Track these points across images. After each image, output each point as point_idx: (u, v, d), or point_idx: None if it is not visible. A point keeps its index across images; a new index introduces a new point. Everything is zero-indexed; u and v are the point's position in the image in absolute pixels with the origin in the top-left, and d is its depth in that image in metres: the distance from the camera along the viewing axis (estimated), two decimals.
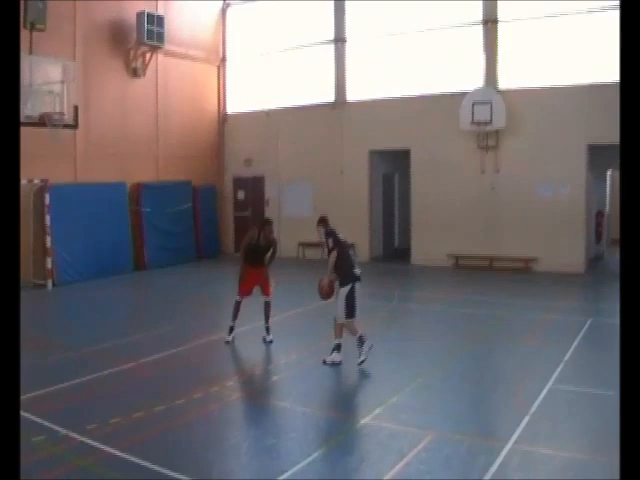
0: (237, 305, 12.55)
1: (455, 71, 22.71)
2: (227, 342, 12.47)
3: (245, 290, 12.57)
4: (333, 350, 10.80)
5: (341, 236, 11.05)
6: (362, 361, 10.59)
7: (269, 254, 12.54)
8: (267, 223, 12.62)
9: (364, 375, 10.69)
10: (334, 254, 10.78)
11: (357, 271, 10.83)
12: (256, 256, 12.42)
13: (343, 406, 9.55)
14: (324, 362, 10.75)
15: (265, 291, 12.57)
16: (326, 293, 10.86)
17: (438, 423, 8.20)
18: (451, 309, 15.99)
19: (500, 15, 21.83)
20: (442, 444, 7.56)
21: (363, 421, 8.37)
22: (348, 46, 25.08)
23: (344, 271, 10.72)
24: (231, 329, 12.56)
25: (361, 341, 10.65)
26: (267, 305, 12.54)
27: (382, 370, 10.87)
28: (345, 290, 10.69)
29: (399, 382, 9.95)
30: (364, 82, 24.76)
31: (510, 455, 7.18)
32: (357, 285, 10.77)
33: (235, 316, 12.53)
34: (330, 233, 11.02)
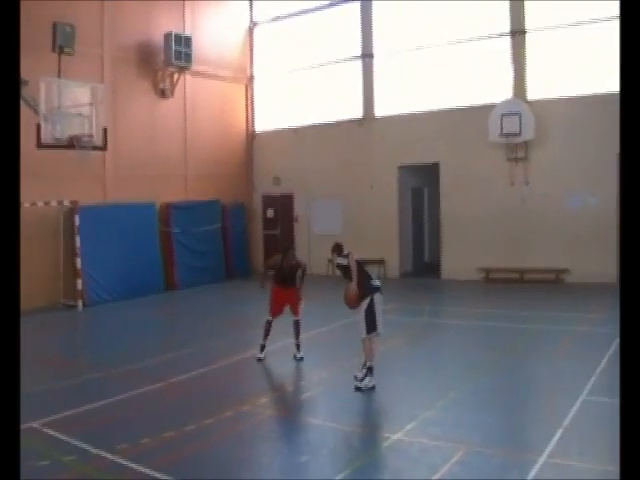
0: (268, 325, 12.49)
1: (483, 83, 22.62)
2: (259, 359, 12.43)
3: (276, 310, 12.55)
4: (365, 375, 10.47)
5: (356, 257, 10.92)
6: (357, 388, 10.35)
7: (299, 273, 12.51)
8: (289, 249, 12.71)
9: (395, 391, 10.59)
10: (353, 258, 10.68)
11: (375, 282, 10.64)
12: (284, 279, 12.46)
13: (374, 422, 9.48)
14: (357, 389, 10.37)
15: (295, 311, 12.51)
16: (354, 299, 10.67)
17: (470, 437, 8.08)
18: (482, 323, 15.86)
19: (528, 25, 21.71)
20: (474, 458, 7.47)
21: (395, 437, 8.27)
22: (375, 61, 25.10)
23: (362, 284, 10.55)
24: (262, 347, 12.51)
25: (370, 371, 10.43)
26: (296, 324, 12.48)
27: (413, 385, 10.80)
28: (364, 303, 10.47)
29: (430, 397, 9.85)
30: (392, 97, 24.74)
31: (543, 469, 7.06)
32: (377, 297, 10.51)
33: (266, 335, 12.47)
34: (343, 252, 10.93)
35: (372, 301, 10.46)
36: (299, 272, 12.48)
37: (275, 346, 12.76)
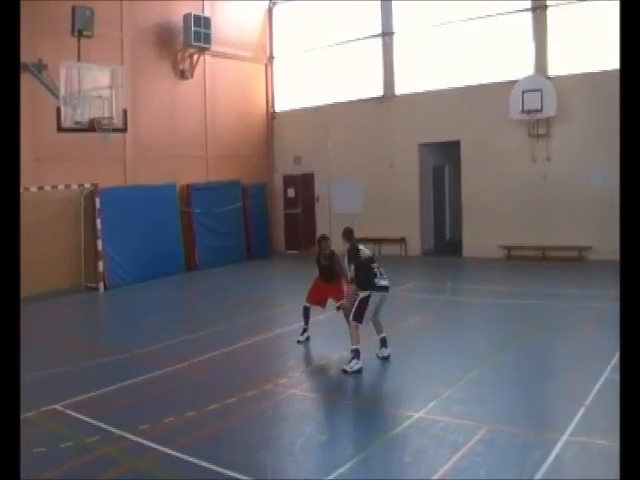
0: (305, 311, 12.31)
1: (504, 59, 22.43)
2: (298, 341, 12.29)
3: (314, 298, 12.24)
4: (353, 358, 10.44)
5: (363, 252, 10.93)
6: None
7: (337, 268, 11.85)
8: (322, 240, 12.18)
9: (417, 369, 10.63)
10: (357, 256, 10.77)
11: (378, 281, 10.58)
12: (324, 273, 12.13)
13: (397, 400, 9.44)
14: (345, 372, 10.33)
15: (338, 298, 11.88)
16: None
17: (492, 416, 8.09)
18: (504, 301, 15.80)
19: (549, 0, 21.48)
20: (497, 437, 7.47)
21: (417, 415, 8.28)
22: (395, 39, 24.96)
23: (364, 281, 10.55)
24: (304, 330, 12.36)
25: (356, 354, 10.40)
26: (343, 311, 11.79)
27: (435, 363, 10.82)
28: (364, 294, 10.52)
29: (453, 375, 9.85)
30: (412, 75, 24.59)
31: (566, 447, 7.05)
32: (376, 295, 10.54)
33: (306, 319, 12.32)
34: (351, 251, 10.97)
35: (369, 296, 10.51)
36: (336, 266, 11.83)
37: (298, 325, 12.69)
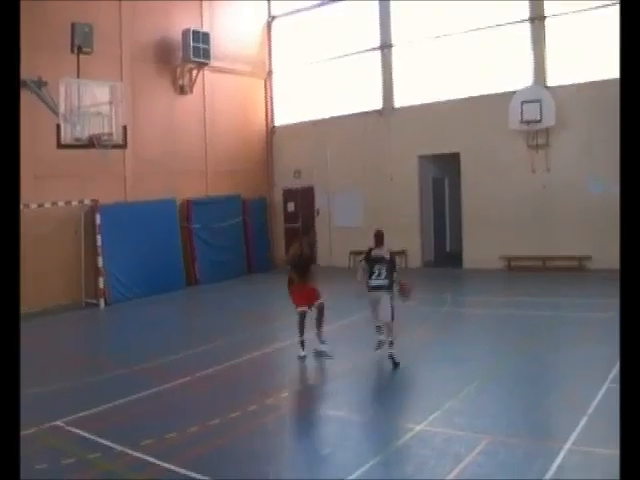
0: (300, 318, 12.15)
1: (503, 70, 22.45)
2: (300, 357, 12.11)
3: (298, 300, 12.18)
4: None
5: (375, 252, 11.63)
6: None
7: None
8: (309, 230, 12.35)
9: (418, 381, 10.67)
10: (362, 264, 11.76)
11: (371, 282, 11.29)
12: (302, 270, 12.15)
13: (398, 413, 9.42)
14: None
15: (311, 302, 12.09)
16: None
17: (494, 427, 8.07)
18: (504, 312, 15.81)
19: (547, 11, 21.53)
20: (499, 448, 7.45)
21: (418, 427, 8.26)
22: (394, 51, 25.01)
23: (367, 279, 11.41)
24: (302, 343, 12.18)
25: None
26: (318, 309, 12.02)
27: (436, 375, 10.80)
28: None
29: (453, 387, 9.83)
30: (411, 87, 24.64)
31: (568, 457, 7.03)
32: (371, 295, 11.29)
33: (301, 331, 12.17)
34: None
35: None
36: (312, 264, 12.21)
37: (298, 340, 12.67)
